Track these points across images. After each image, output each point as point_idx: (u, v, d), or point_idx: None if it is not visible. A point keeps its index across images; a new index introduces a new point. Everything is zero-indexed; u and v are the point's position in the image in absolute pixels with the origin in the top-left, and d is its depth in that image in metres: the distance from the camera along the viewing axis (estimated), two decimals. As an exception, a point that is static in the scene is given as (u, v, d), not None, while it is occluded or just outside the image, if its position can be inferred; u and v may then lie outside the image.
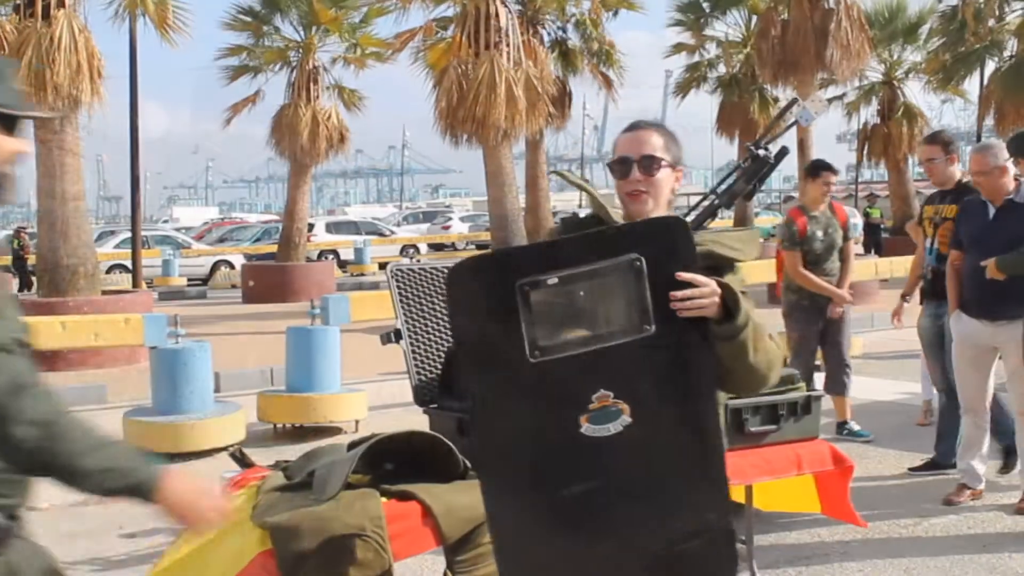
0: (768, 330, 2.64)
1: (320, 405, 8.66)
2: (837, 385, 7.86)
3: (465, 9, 18.63)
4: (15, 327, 2.28)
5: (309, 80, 22.36)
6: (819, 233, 7.71)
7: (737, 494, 4.27)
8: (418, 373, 4.62)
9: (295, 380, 8.75)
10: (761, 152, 4.42)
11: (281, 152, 22.78)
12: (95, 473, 2.30)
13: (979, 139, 29.63)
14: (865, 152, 27.78)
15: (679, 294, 2.46)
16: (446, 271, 4.01)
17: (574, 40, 23.91)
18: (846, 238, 7.91)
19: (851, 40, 19.79)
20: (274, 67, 22.71)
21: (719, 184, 4.56)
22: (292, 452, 7.10)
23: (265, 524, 3.15)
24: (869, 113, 28.02)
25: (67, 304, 13.17)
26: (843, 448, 5.31)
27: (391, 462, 3.52)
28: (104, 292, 14.76)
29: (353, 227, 36.44)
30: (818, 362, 8.01)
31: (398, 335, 4.65)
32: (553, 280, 2.43)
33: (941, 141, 6.93)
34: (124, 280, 25.51)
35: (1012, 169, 6.11)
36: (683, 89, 27.63)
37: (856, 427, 7.97)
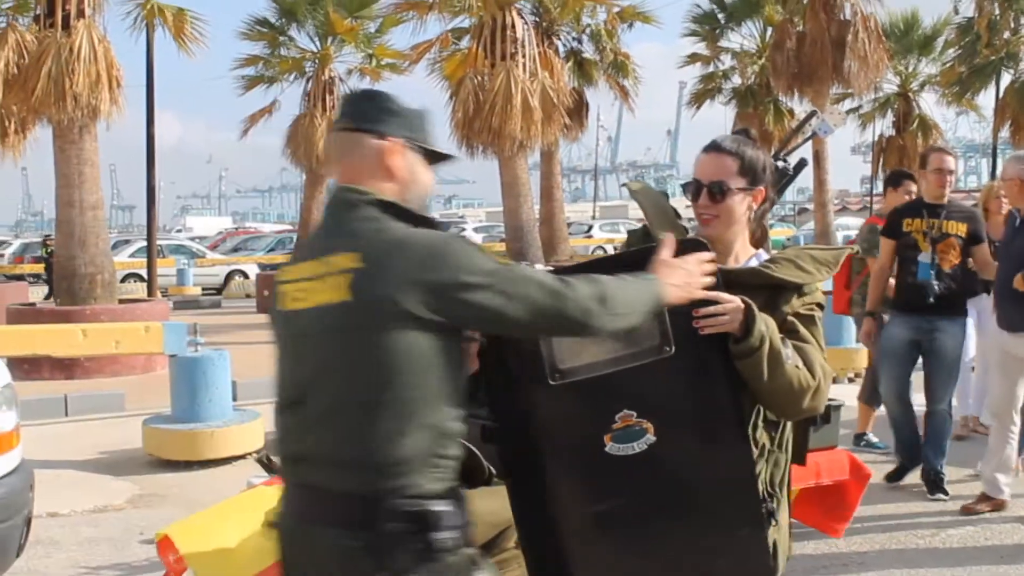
0: (793, 359, 2.62)
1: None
2: (874, 396, 7.71)
3: (481, 20, 18.71)
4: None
5: (325, 90, 22.44)
6: None
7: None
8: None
9: (313, 389, 8.76)
10: (780, 164, 4.46)
11: (297, 162, 22.86)
12: (645, 312, 2.46)
13: (994, 152, 29.61)
14: (880, 164, 27.74)
15: (702, 311, 2.49)
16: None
17: (589, 51, 23.97)
18: None
19: (868, 52, 19.77)
20: (289, 77, 22.82)
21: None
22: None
23: None
24: (884, 125, 28.01)
25: (85, 312, 13.23)
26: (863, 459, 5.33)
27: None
28: (120, 301, 14.84)
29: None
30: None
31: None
32: None
33: (955, 155, 7.01)
34: (139, 289, 25.61)
35: None
36: (698, 100, 27.63)
37: (874, 439, 7.97)
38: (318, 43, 22.64)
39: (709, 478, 2.55)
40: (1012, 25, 23.72)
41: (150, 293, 19.57)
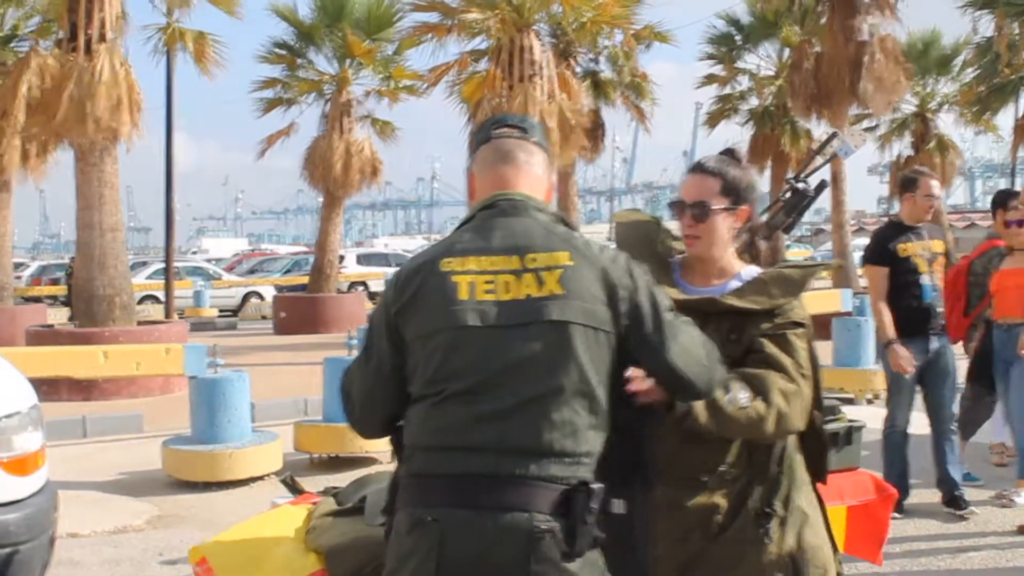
0: (735, 402, 2.71)
1: (357, 435, 8.67)
2: (967, 427, 7.57)
3: (499, 42, 18.78)
4: None
5: (342, 112, 22.54)
6: None
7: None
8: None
9: (332, 410, 8.78)
10: (800, 185, 4.46)
11: (314, 184, 22.94)
12: None
13: (1013, 171, 29.52)
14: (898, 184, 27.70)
15: (634, 380, 2.50)
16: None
17: (606, 72, 24.02)
18: None
19: (886, 73, 19.72)
20: (307, 100, 22.93)
21: (759, 216, 4.62)
22: (331, 481, 7.16)
23: (319, 547, 3.19)
24: (902, 145, 27.97)
25: (103, 334, 13.29)
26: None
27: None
28: (138, 323, 14.90)
29: (383, 259, 36.58)
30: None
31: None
32: None
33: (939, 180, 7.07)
34: (156, 311, 25.70)
35: None
36: (714, 121, 27.62)
37: (967, 469, 7.61)
38: (336, 65, 22.74)
39: None
40: (1031, 44, 23.68)
41: (167, 315, 19.68)
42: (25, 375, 4.81)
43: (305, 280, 25.88)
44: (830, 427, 4.42)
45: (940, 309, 6.75)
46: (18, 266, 32.18)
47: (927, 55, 25.96)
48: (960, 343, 7.58)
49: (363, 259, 36.24)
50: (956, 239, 7.34)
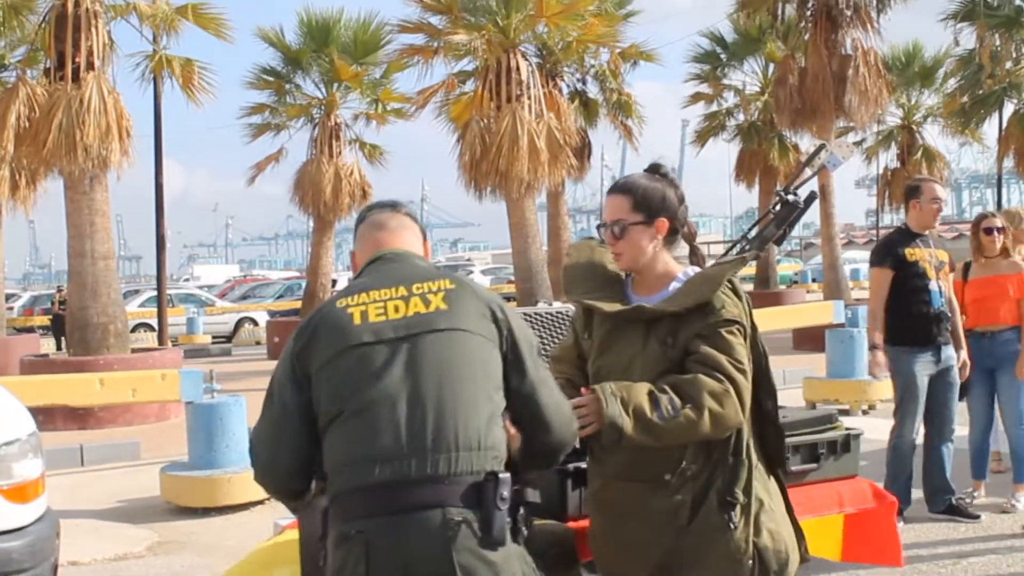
0: (668, 414, 2.85)
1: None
2: None
3: (486, 63, 18.84)
4: None
5: (331, 136, 22.59)
6: None
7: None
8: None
9: (328, 432, 8.77)
10: (791, 197, 4.50)
11: (304, 208, 22.95)
12: None
13: (999, 182, 29.69)
14: (886, 196, 27.82)
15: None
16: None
17: (593, 92, 24.13)
18: None
19: (869, 85, 19.87)
20: (295, 125, 22.97)
21: (750, 229, 4.67)
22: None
23: None
24: (888, 158, 28.12)
25: (98, 362, 13.28)
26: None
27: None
28: (132, 350, 14.89)
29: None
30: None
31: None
32: None
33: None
34: (149, 339, 25.69)
35: None
36: (702, 138, 27.80)
37: None
38: (324, 90, 22.80)
39: None
40: (1014, 55, 23.85)
41: (161, 342, 19.65)
42: (23, 404, 4.82)
43: (298, 305, 25.89)
44: (828, 435, 4.45)
45: (949, 315, 6.73)
46: (9, 297, 32.11)
47: (910, 67, 26.14)
48: None
49: (354, 282, 36.18)
50: (950, 252, 7.44)
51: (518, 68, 18.43)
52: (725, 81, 26.99)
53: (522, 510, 2.62)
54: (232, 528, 7.62)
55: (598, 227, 3.19)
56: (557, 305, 4.93)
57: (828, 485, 4.30)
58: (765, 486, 3.05)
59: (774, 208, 4.61)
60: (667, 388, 2.89)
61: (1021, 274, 7.04)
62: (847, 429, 4.61)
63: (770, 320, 12.76)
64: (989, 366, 6.99)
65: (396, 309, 2.70)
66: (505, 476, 2.55)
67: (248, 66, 22.95)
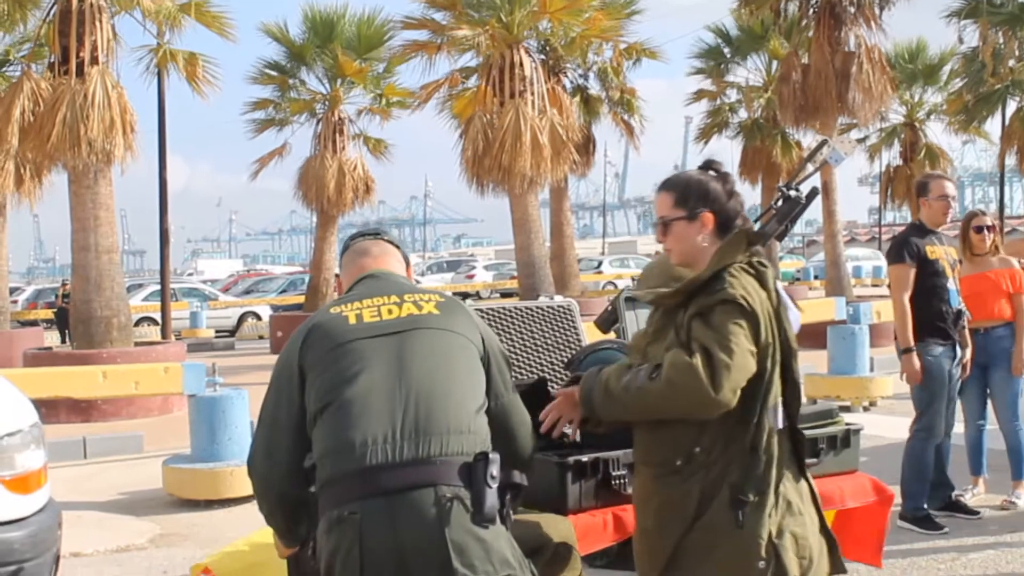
0: (634, 387, 2.92)
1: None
2: None
3: (489, 59, 18.87)
4: None
5: (335, 131, 22.61)
6: None
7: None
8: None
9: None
10: (792, 193, 4.52)
11: (308, 203, 22.99)
12: None
13: (1002, 179, 29.66)
14: (888, 194, 27.82)
15: (545, 423, 3.16)
16: (513, 311, 4.48)
17: (595, 88, 24.13)
18: None
19: (873, 82, 19.85)
20: (299, 120, 22.99)
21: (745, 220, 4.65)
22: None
23: None
24: (891, 155, 28.11)
25: (101, 355, 13.32)
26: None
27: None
28: (135, 344, 14.92)
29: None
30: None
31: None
32: None
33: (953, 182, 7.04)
34: (152, 333, 25.75)
35: None
36: (705, 135, 27.79)
37: None
38: (327, 85, 22.83)
39: None
40: (1017, 53, 23.83)
41: (164, 336, 19.69)
42: (26, 395, 4.84)
43: (301, 299, 25.92)
44: (828, 430, 4.47)
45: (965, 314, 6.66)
46: (14, 290, 32.17)
47: (914, 65, 26.13)
48: None
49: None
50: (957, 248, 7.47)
51: (521, 64, 18.46)
52: (728, 78, 27.00)
53: (509, 493, 2.71)
54: (234, 520, 7.65)
55: (653, 226, 3.24)
56: (559, 299, 4.95)
57: (828, 480, 4.32)
58: (797, 488, 3.01)
59: (776, 204, 4.62)
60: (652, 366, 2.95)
61: (1013, 269, 7.04)
62: (847, 424, 4.63)
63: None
64: (982, 362, 6.97)
65: (390, 311, 2.87)
66: (495, 455, 2.66)
67: (251, 61, 23.07)
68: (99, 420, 12.72)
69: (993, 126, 26.48)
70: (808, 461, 4.32)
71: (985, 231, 7.08)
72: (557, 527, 3.35)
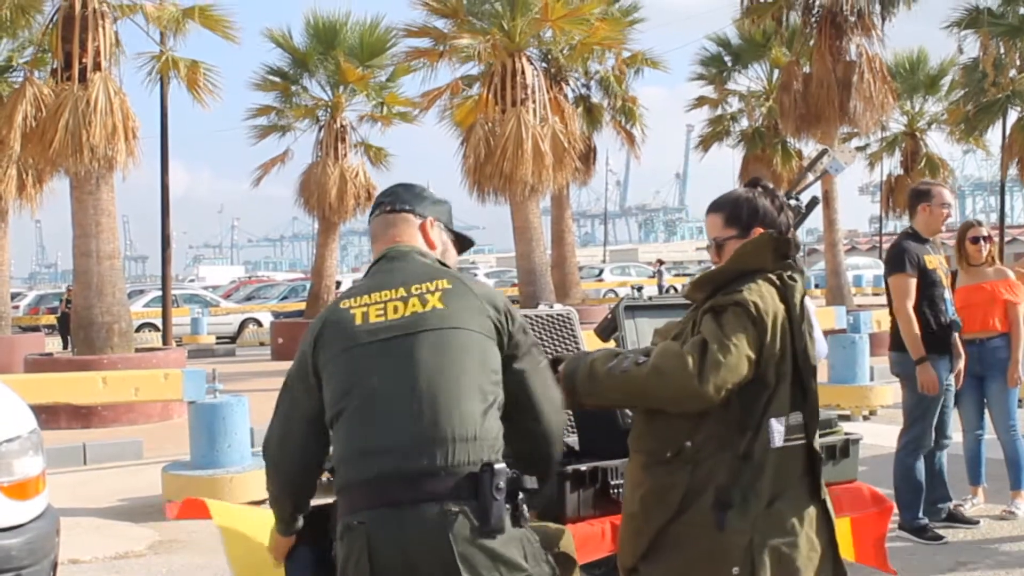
0: (620, 371, 2.98)
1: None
2: None
3: (491, 67, 18.89)
4: None
5: (337, 138, 22.63)
6: None
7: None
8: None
9: (331, 433, 8.80)
10: (792, 202, 4.53)
11: (309, 210, 23.01)
12: None
13: (1003, 189, 29.66)
14: (889, 203, 27.84)
15: None
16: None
17: (597, 97, 24.14)
18: None
19: (874, 92, 19.89)
20: (301, 126, 23.02)
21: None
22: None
23: None
24: (892, 164, 28.13)
25: (102, 361, 13.32)
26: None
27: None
28: (136, 350, 14.92)
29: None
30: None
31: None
32: None
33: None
34: (153, 338, 25.73)
35: None
36: (706, 143, 27.82)
37: None
38: (330, 92, 22.85)
39: None
40: (1018, 63, 23.85)
41: (165, 342, 19.69)
42: (25, 402, 4.84)
43: (302, 306, 25.92)
44: (827, 440, 4.46)
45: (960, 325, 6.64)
46: (15, 296, 32.19)
47: (914, 75, 26.16)
48: None
49: (358, 284, 36.18)
50: (948, 257, 7.39)
51: (523, 72, 18.48)
52: (730, 86, 27.03)
53: (521, 495, 2.71)
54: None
55: (707, 248, 3.28)
56: (558, 307, 4.95)
57: (828, 490, 4.31)
58: (800, 510, 2.98)
59: (788, 214, 4.64)
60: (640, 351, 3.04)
61: (1009, 280, 7.04)
62: (846, 434, 4.63)
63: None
64: (979, 373, 6.98)
65: (395, 310, 2.83)
66: (500, 467, 2.65)
67: (254, 67, 23.04)
68: (99, 426, 12.70)
69: (994, 136, 26.50)
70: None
71: (981, 242, 7.08)
72: (555, 536, 3.34)
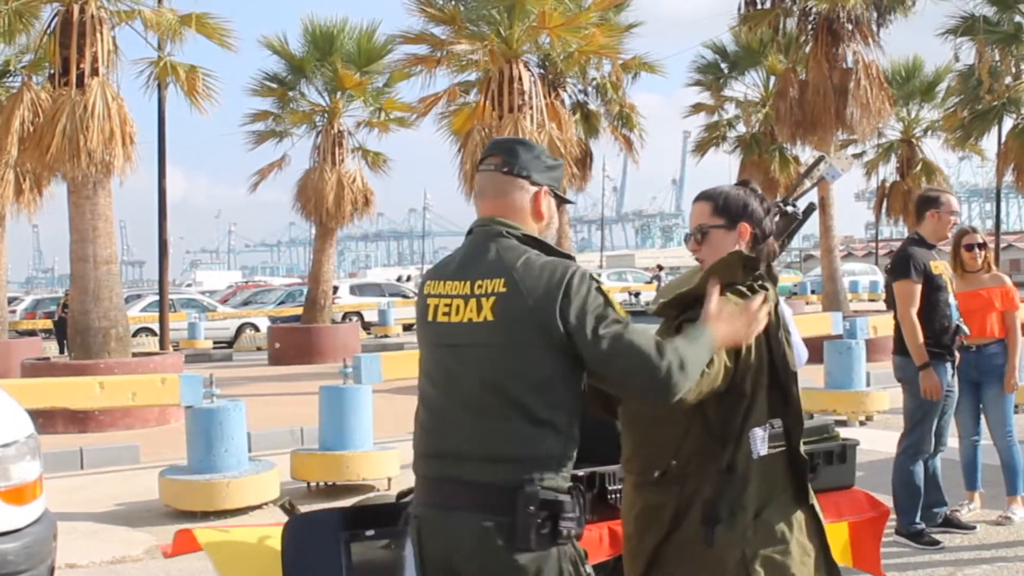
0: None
1: (353, 463, 8.73)
2: None
3: (488, 74, 18.90)
4: None
5: (334, 144, 22.65)
6: None
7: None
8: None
9: (328, 439, 8.83)
10: (789, 208, 4.54)
11: (307, 216, 23.03)
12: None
13: (999, 196, 29.72)
14: (884, 210, 27.88)
15: None
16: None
17: (594, 103, 24.15)
18: None
19: (870, 99, 19.92)
20: (298, 132, 23.03)
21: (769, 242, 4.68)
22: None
23: None
24: (888, 171, 28.16)
25: (99, 366, 13.30)
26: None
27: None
28: (133, 355, 14.92)
29: (377, 289, 36.62)
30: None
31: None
32: None
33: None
34: (150, 343, 25.74)
35: None
36: (702, 148, 27.82)
37: None
38: (327, 98, 22.87)
39: None
40: (1013, 71, 23.88)
41: (162, 346, 19.68)
42: (21, 406, 4.84)
43: (299, 311, 25.91)
44: (825, 446, 4.48)
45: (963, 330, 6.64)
46: (12, 300, 32.15)
47: (911, 82, 26.20)
48: None
49: (356, 290, 36.25)
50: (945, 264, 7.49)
51: (520, 78, 18.48)
52: (726, 92, 27.04)
53: (561, 516, 2.68)
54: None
55: (685, 238, 3.26)
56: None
57: (827, 495, 4.32)
58: (788, 515, 3.00)
59: (773, 219, 4.65)
60: None
61: (1005, 287, 7.05)
62: (843, 439, 4.65)
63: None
64: (975, 379, 6.99)
65: (457, 311, 2.81)
66: (531, 490, 2.65)
67: (251, 73, 23.00)
68: (96, 430, 12.71)
69: (989, 143, 26.54)
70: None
71: (976, 249, 7.08)
72: None
